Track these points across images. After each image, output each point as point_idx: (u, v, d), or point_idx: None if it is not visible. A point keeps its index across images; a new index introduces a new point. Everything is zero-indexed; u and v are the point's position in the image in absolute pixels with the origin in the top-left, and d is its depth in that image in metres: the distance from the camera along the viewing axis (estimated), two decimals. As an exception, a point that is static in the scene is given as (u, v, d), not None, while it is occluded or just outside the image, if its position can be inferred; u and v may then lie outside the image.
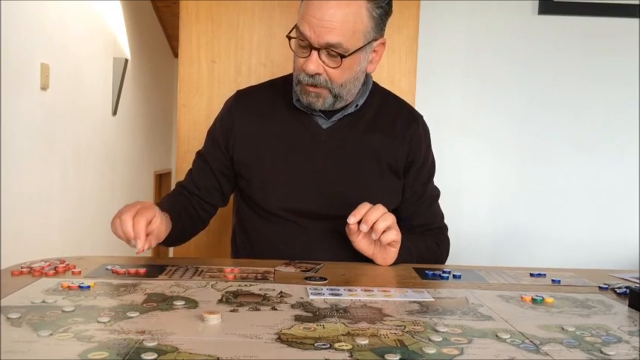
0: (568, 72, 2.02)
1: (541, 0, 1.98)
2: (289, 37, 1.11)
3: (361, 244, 1.09)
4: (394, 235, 1.05)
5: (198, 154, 1.30)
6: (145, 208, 0.99)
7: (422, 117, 1.29)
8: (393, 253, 1.09)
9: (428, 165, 1.28)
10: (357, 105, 1.21)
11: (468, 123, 2.04)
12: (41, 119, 2.50)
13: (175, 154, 1.77)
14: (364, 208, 1.03)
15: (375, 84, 1.26)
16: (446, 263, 1.26)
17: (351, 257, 1.12)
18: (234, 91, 1.32)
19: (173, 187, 1.33)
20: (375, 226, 1.03)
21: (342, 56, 1.08)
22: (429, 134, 1.30)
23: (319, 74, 1.10)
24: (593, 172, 2.05)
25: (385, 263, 1.10)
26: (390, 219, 1.05)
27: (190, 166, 1.31)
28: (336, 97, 1.14)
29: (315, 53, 1.08)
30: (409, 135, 1.23)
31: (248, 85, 1.34)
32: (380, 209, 1.04)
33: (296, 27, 1.12)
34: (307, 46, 1.09)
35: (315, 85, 1.11)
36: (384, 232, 1.04)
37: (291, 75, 1.26)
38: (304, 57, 1.10)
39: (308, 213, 1.19)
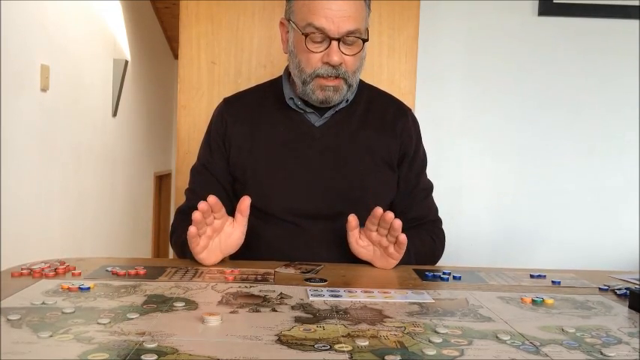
0: (568, 73, 2.02)
1: (541, 1, 1.98)
2: (306, 35, 1.12)
3: (359, 246, 1.09)
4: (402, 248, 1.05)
5: (195, 169, 1.27)
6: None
7: (410, 110, 1.31)
8: (392, 262, 1.09)
9: (419, 157, 1.29)
10: (347, 100, 1.22)
11: (468, 123, 2.04)
12: (41, 120, 2.49)
13: (175, 156, 1.77)
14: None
15: (360, 80, 1.27)
16: (446, 264, 1.26)
17: (353, 257, 1.12)
18: (232, 94, 1.32)
19: (172, 192, 1.31)
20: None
21: (365, 40, 1.13)
22: (419, 126, 1.32)
23: (341, 64, 1.13)
24: (593, 173, 2.05)
25: (385, 268, 1.10)
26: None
27: (188, 186, 1.27)
28: (349, 86, 1.17)
29: (335, 44, 1.11)
30: (399, 128, 1.25)
31: (248, 86, 1.34)
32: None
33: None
34: (324, 40, 1.11)
35: (337, 77, 1.13)
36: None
37: (278, 78, 1.26)
38: (320, 51, 1.12)
39: (307, 213, 1.19)
